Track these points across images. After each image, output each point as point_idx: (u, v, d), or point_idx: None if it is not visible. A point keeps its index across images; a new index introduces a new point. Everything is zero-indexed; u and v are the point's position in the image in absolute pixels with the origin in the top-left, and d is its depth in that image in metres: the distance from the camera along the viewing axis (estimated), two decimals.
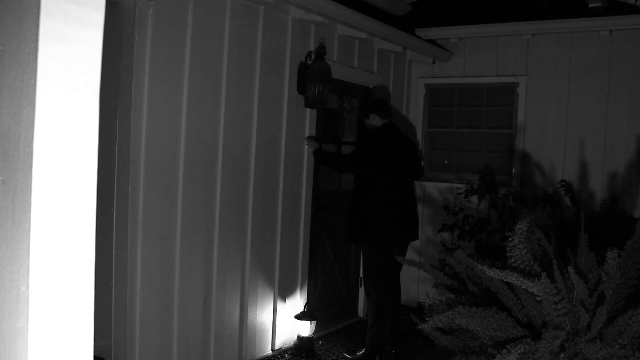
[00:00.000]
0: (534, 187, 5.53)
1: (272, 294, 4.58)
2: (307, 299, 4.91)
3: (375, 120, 4.65)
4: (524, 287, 2.36)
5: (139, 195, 3.54)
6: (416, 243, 6.00)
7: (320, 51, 4.54)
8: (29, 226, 1.13)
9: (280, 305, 4.65)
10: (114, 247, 3.59)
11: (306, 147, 4.80)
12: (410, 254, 5.74)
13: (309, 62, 4.65)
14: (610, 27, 5.26)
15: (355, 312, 5.74)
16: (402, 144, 4.67)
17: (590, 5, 5.42)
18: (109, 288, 3.61)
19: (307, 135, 4.81)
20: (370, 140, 4.61)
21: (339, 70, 4.98)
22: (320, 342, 4.98)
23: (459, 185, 5.69)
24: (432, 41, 5.94)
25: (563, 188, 4.62)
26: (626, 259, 2.52)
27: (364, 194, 4.55)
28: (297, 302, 4.82)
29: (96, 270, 1.28)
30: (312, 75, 4.48)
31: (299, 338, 4.67)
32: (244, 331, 4.33)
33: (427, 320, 2.55)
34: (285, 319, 4.70)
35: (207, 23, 3.85)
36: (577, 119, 5.48)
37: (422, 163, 5.18)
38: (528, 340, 2.36)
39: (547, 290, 2.30)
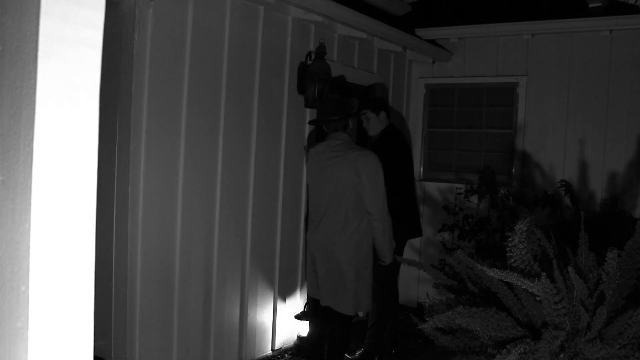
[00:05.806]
0: (534, 187, 5.53)
1: (272, 294, 4.58)
2: (307, 299, 4.90)
3: (381, 118, 4.54)
4: (524, 287, 2.36)
5: (139, 195, 3.54)
6: (416, 243, 6.00)
7: (320, 51, 4.54)
8: (29, 226, 1.13)
9: (280, 305, 4.65)
10: (114, 246, 3.59)
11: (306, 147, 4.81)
12: (410, 254, 5.74)
13: (309, 62, 4.65)
14: (610, 27, 5.26)
15: None
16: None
17: (590, 5, 5.42)
18: (109, 288, 3.61)
19: (307, 135, 4.81)
20: (398, 145, 4.57)
21: (339, 70, 4.98)
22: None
23: (459, 185, 5.68)
24: (432, 41, 5.94)
25: (563, 188, 4.62)
26: (626, 259, 2.52)
27: None
28: (297, 302, 4.82)
29: (96, 270, 1.28)
30: (312, 75, 4.47)
31: (299, 338, 4.67)
32: (244, 331, 4.33)
33: (427, 320, 2.55)
34: (285, 319, 4.70)
35: (207, 23, 3.85)
36: (577, 119, 5.48)
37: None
38: (528, 340, 2.36)
39: (547, 290, 2.30)
